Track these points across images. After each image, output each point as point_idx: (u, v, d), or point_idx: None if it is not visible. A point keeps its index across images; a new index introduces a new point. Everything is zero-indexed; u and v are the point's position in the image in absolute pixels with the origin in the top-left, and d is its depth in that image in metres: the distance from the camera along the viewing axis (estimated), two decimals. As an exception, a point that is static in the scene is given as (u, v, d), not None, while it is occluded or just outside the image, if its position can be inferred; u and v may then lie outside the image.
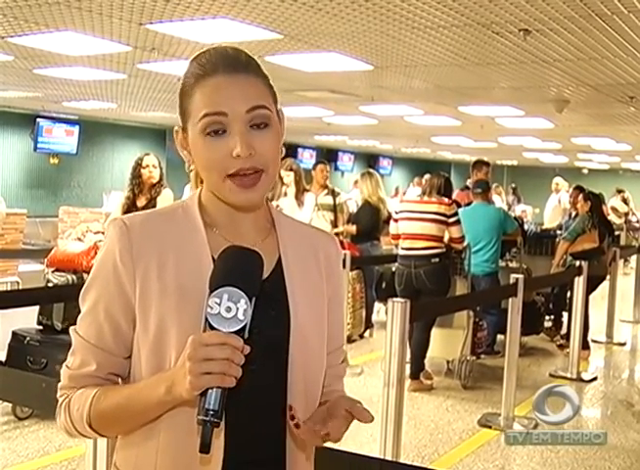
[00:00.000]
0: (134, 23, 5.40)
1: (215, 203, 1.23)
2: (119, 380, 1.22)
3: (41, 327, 4.75)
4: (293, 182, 6.72)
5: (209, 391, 1.02)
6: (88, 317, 1.20)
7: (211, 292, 1.06)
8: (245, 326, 1.05)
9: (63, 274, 4.91)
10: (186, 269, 1.17)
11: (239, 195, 1.17)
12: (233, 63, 1.18)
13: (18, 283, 7.73)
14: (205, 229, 1.21)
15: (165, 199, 5.03)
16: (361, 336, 7.34)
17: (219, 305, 1.04)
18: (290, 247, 1.26)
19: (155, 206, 4.96)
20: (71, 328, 1.22)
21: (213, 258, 1.16)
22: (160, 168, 5.19)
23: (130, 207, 5.08)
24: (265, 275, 1.16)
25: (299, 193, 6.77)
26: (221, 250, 1.12)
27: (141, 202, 5.12)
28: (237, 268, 1.08)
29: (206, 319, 1.05)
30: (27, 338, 4.60)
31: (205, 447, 1.02)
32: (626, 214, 15.06)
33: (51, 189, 13.79)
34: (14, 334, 4.69)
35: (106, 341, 1.18)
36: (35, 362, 4.46)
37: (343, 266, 5.79)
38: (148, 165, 5.14)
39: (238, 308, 1.04)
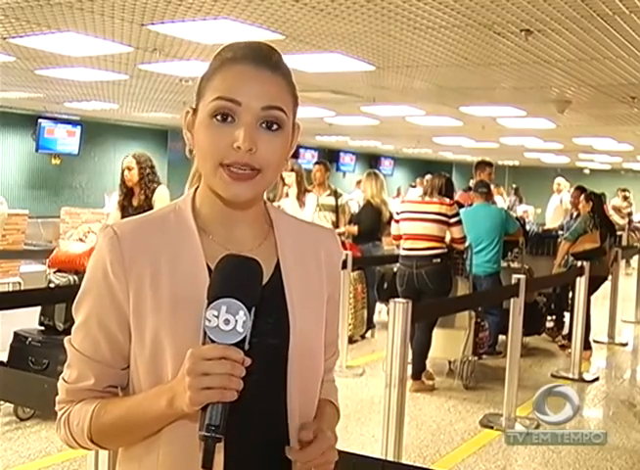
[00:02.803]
0: (136, 24, 5.40)
1: (210, 202, 1.18)
2: (119, 390, 1.19)
3: (43, 328, 4.76)
4: (294, 183, 6.74)
5: (211, 405, 0.99)
6: (82, 330, 1.16)
7: (209, 304, 1.02)
8: (244, 338, 1.01)
9: (64, 275, 4.92)
10: (180, 280, 1.13)
11: (229, 186, 1.11)
12: (264, 58, 1.16)
13: (19, 284, 7.74)
14: (200, 235, 1.17)
15: (160, 196, 5.05)
16: (363, 336, 7.34)
17: (217, 317, 1.00)
18: (289, 249, 1.22)
19: (151, 204, 4.99)
20: (66, 339, 1.19)
21: (209, 267, 1.12)
22: (142, 168, 5.13)
23: (127, 207, 5.12)
24: (264, 281, 1.11)
25: (301, 193, 6.79)
26: (218, 259, 1.07)
27: (136, 201, 5.15)
28: (235, 278, 1.04)
29: (205, 332, 1.01)
30: (29, 338, 4.61)
31: (207, 464, 1.00)
32: (629, 214, 15.02)
33: (53, 190, 13.78)
34: (15, 334, 4.69)
35: (103, 354, 1.15)
36: (37, 363, 4.46)
37: (345, 267, 5.83)
38: (124, 168, 5.19)
39: (237, 320, 1.00)
